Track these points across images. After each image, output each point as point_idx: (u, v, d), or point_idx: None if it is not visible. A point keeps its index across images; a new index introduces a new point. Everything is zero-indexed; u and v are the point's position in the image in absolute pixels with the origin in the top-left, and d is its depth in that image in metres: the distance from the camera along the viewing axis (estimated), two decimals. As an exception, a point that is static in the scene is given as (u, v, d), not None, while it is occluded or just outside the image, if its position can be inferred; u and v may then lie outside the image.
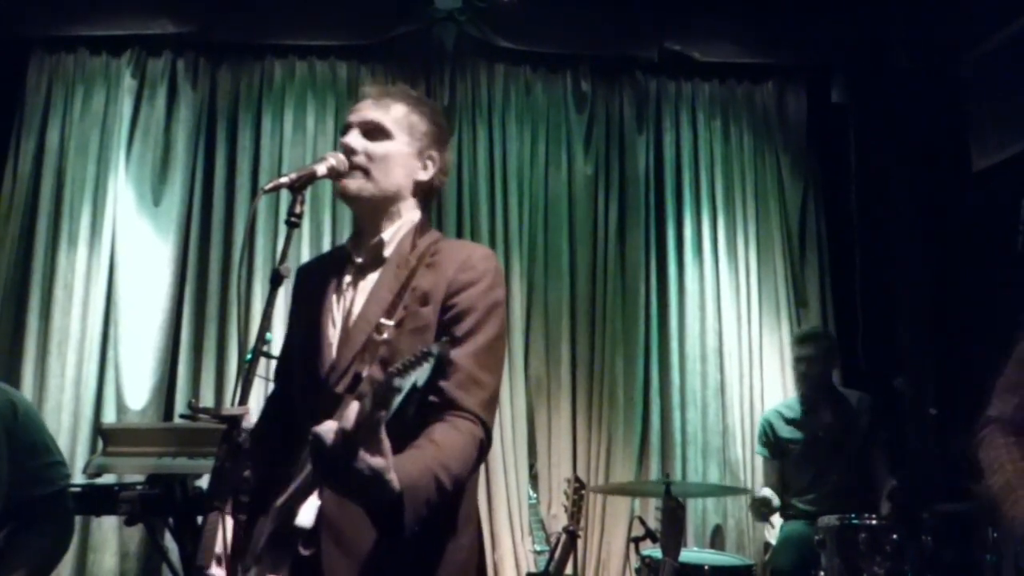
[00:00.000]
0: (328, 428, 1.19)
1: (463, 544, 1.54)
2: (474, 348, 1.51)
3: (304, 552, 1.45)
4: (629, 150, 4.77)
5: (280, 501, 1.48)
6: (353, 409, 1.18)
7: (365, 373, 1.49)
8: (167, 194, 4.46)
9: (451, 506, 1.51)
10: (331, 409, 1.42)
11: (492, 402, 1.53)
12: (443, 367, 1.22)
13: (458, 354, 1.49)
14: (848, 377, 4.40)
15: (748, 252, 4.70)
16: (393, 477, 1.25)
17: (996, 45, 4.09)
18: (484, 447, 1.50)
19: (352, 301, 1.63)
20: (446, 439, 1.42)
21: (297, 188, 1.51)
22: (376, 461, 1.21)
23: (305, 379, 1.62)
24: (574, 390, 4.51)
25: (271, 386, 1.87)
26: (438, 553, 1.50)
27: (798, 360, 4.03)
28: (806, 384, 3.97)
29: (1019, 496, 1.83)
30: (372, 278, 1.64)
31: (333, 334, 1.60)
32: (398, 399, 1.18)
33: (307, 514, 1.45)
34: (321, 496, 1.46)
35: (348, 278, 1.67)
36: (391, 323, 1.52)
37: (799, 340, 4.08)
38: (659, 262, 4.68)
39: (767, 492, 3.86)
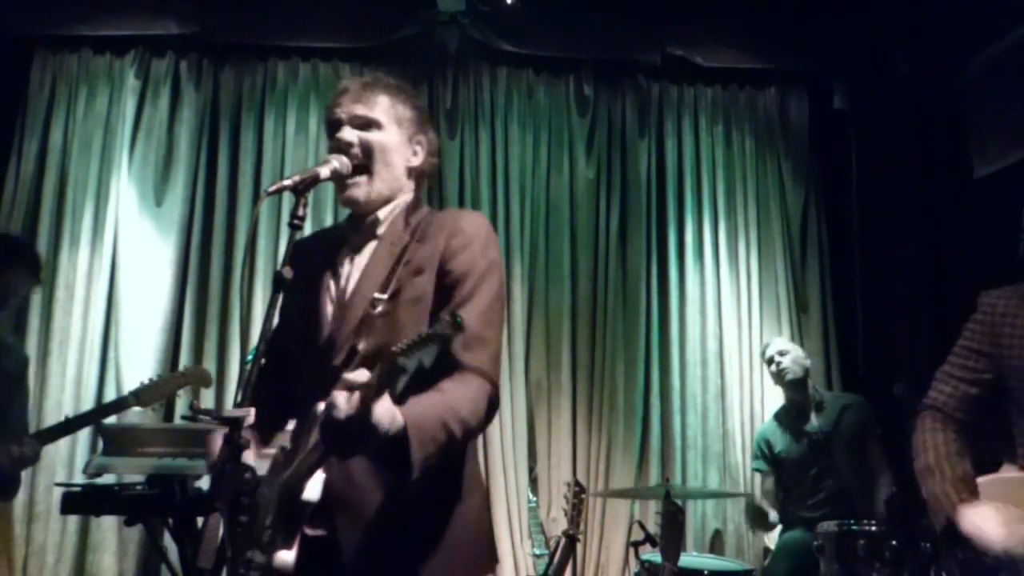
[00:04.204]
0: (340, 402, 1.25)
1: (471, 506, 1.60)
2: (477, 309, 1.55)
3: (314, 532, 1.49)
4: (631, 154, 4.78)
5: (285, 476, 1.50)
6: (359, 375, 1.25)
7: (362, 346, 1.53)
8: (169, 195, 4.46)
9: (455, 470, 1.58)
10: (330, 383, 1.43)
11: (497, 358, 1.58)
12: (450, 344, 1.28)
13: (462, 315, 1.54)
14: (848, 382, 4.40)
15: (749, 257, 4.70)
16: (397, 414, 1.30)
17: (997, 53, 4.09)
18: (493, 399, 1.54)
19: (348, 278, 1.67)
20: (452, 388, 1.47)
21: (300, 191, 1.52)
22: (380, 412, 1.27)
23: (304, 355, 1.66)
24: (574, 393, 4.51)
25: None
26: (447, 517, 1.55)
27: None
28: (779, 383, 3.97)
29: (938, 478, 1.98)
30: (367, 254, 1.68)
31: (330, 311, 1.64)
32: (404, 379, 1.21)
33: (313, 489, 1.48)
34: (327, 471, 1.49)
35: (344, 256, 1.70)
36: (385, 296, 1.56)
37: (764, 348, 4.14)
38: (660, 266, 4.68)
39: (766, 506, 3.87)
